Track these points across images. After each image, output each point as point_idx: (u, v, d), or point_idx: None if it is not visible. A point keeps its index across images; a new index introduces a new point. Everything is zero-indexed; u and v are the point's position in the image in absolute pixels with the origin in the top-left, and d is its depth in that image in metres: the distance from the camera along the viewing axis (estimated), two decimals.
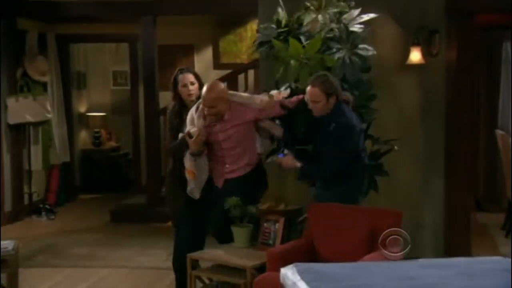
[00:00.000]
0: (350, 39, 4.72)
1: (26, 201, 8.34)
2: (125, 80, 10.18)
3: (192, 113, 4.83)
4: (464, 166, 5.81)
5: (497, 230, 7.22)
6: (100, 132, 10.21)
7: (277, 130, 4.81)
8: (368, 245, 4.15)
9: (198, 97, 4.87)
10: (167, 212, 5.47)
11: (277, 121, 4.87)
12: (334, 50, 4.71)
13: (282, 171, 5.24)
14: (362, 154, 4.51)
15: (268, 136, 4.98)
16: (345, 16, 4.77)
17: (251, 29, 8.95)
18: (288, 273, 3.12)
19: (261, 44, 5.01)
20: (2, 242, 4.95)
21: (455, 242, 5.75)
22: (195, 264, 4.73)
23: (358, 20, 4.77)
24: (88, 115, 10.19)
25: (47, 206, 8.40)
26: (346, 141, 4.41)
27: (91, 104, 10.35)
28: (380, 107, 5.02)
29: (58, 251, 6.81)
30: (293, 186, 5.40)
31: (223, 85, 4.84)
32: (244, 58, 8.98)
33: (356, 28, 4.75)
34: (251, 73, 8.16)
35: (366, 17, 4.80)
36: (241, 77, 8.10)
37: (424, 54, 5.56)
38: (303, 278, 2.95)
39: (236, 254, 4.64)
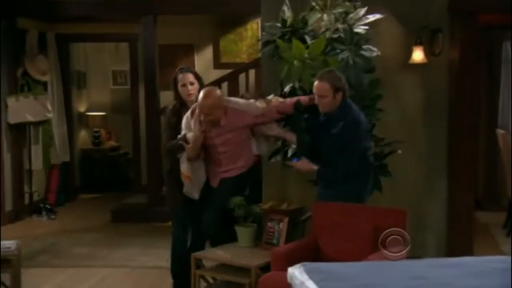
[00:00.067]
0: (354, 40, 4.71)
1: (26, 200, 8.33)
2: (124, 80, 10.19)
3: (187, 117, 4.84)
4: (465, 165, 5.81)
5: (497, 229, 7.24)
6: (100, 131, 10.20)
7: (288, 135, 4.77)
8: (372, 244, 4.14)
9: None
10: (168, 211, 5.48)
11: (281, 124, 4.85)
12: (338, 51, 4.71)
13: (285, 172, 5.25)
14: (368, 152, 4.51)
15: (267, 138, 4.99)
16: (350, 16, 4.76)
17: (251, 29, 8.96)
18: (296, 272, 3.12)
19: (266, 43, 5.01)
20: (6, 242, 4.94)
21: (458, 242, 5.75)
22: (199, 263, 4.73)
23: (364, 20, 4.76)
24: (88, 115, 10.18)
25: (48, 206, 8.38)
26: (357, 139, 4.41)
27: (91, 103, 10.34)
28: (383, 106, 5.02)
29: (58, 251, 6.80)
30: (295, 185, 5.40)
31: (219, 92, 4.87)
32: (244, 58, 8.98)
33: (360, 29, 4.74)
34: (252, 72, 8.16)
35: (371, 17, 4.79)
36: (241, 76, 8.10)
37: (427, 53, 5.56)
38: (311, 278, 2.96)
39: (240, 253, 4.65)
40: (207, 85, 6.03)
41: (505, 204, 7.43)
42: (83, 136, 10.27)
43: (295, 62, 4.69)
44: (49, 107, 8.32)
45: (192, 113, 4.81)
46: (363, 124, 4.45)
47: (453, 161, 5.76)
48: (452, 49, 5.66)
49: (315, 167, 4.52)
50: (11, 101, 7.88)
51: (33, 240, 7.15)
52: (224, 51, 9.15)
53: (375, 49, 4.76)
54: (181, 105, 5.04)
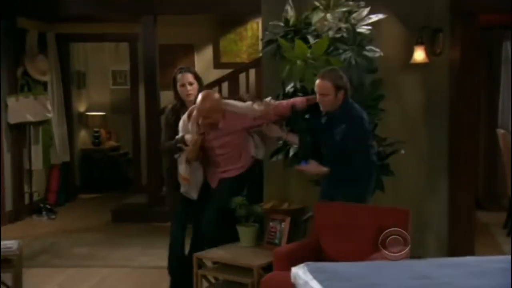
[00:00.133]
0: (357, 40, 4.71)
1: (26, 200, 8.32)
2: (124, 80, 10.19)
3: (184, 120, 4.84)
4: (466, 165, 5.81)
5: (497, 229, 7.25)
6: (100, 131, 10.21)
7: (290, 136, 4.75)
8: (375, 244, 4.12)
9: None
10: (168, 211, 5.48)
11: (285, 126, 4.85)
12: (341, 51, 4.70)
13: (286, 171, 5.25)
14: (371, 152, 4.50)
15: (263, 141, 4.99)
16: (354, 15, 4.76)
17: (251, 28, 8.96)
18: (300, 272, 3.12)
19: (268, 42, 5.00)
20: (7, 242, 4.93)
21: (459, 242, 5.75)
22: (201, 263, 4.73)
23: (367, 20, 4.75)
24: (88, 115, 10.18)
25: (48, 206, 8.37)
26: (360, 138, 4.39)
27: (91, 103, 10.34)
28: (385, 106, 5.02)
29: (59, 251, 6.79)
30: (296, 185, 5.40)
31: (217, 95, 4.88)
32: (244, 58, 8.98)
33: (363, 29, 4.74)
34: (252, 72, 8.16)
35: (374, 17, 4.79)
36: (242, 76, 8.10)
37: (428, 53, 5.56)
38: (315, 277, 2.95)
39: (242, 253, 4.65)
40: (207, 85, 6.06)
41: (505, 204, 7.44)
42: (83, 136, 10.26)
43: (298, 62, 4.69)
44: (49, 107, 8.32)
45: (189, 116, 4.81)
46: (366, 123, 4.44)
47: (453, 161, 5.76)
48: (453, 49, 5.66)
49: (324, 169, 4.44)
50: (11, 101, 7.87)
51: (33, 240, 7.15)
52: (224, 51, 9.15)
53: (377, 49, 4.75)
54: (181, 105, 5.04)
